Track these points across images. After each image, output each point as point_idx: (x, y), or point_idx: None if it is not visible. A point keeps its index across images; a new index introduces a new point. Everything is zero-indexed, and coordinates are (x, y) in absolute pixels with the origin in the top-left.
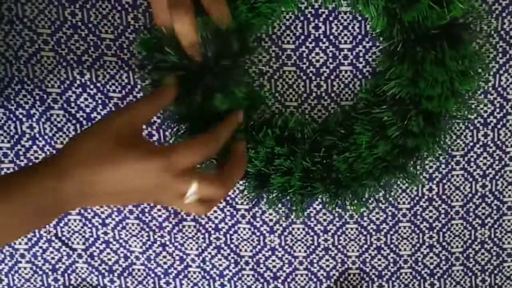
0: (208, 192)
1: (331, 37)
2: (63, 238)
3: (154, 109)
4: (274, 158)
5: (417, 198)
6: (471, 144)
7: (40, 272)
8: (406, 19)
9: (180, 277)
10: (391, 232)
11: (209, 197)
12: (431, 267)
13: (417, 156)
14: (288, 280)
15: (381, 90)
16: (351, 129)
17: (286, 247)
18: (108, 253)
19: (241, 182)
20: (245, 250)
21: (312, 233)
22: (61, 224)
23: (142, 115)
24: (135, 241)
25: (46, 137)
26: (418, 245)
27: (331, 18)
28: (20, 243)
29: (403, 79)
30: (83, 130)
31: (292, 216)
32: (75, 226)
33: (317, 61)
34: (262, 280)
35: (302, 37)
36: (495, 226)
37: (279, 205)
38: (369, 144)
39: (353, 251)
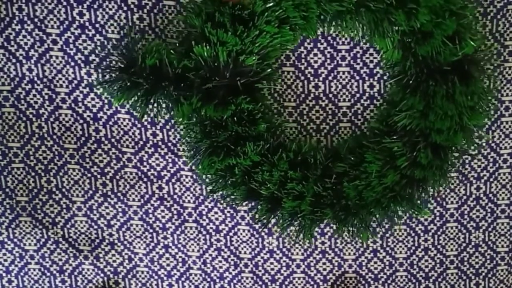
0: None
1: (329, 38)
2: (70, 239)
3: None
4: (287, 182)
5: None
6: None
7: (48, 274)
8: (421, 53)
9: (183, 279)
10: (387, 235)
11: None
12: (426, 270)
13: (423, 187)
14: (286, 283)
15: (392, 121)
16: (362, 157)
17: (284, 249)
18: (113, 255)
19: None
20: (245, 252)
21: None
22: (68, 226)
23: None
24: (139, 242)
25: (54, 136)
26: (413, 248)
27: None
28: (30, 244)
29: (414, 111)
30: None
31: (300, 238)
32: (82, 228)
33: (315, 62)
34: (260, 283)
35: (301, 37)
36: (489, 229)
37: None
38: (379, 174)
39: (349, 254)
